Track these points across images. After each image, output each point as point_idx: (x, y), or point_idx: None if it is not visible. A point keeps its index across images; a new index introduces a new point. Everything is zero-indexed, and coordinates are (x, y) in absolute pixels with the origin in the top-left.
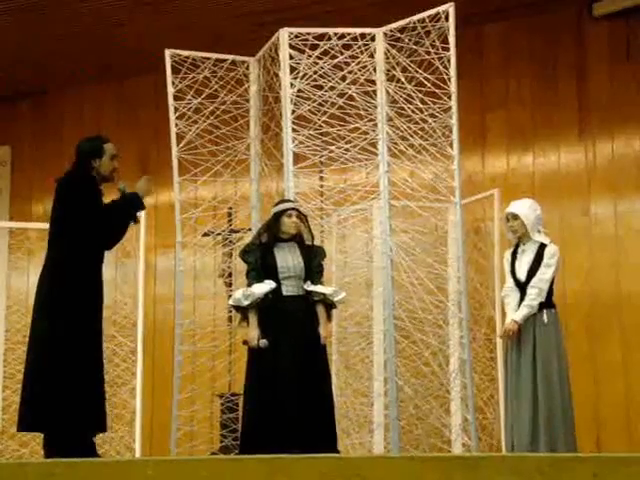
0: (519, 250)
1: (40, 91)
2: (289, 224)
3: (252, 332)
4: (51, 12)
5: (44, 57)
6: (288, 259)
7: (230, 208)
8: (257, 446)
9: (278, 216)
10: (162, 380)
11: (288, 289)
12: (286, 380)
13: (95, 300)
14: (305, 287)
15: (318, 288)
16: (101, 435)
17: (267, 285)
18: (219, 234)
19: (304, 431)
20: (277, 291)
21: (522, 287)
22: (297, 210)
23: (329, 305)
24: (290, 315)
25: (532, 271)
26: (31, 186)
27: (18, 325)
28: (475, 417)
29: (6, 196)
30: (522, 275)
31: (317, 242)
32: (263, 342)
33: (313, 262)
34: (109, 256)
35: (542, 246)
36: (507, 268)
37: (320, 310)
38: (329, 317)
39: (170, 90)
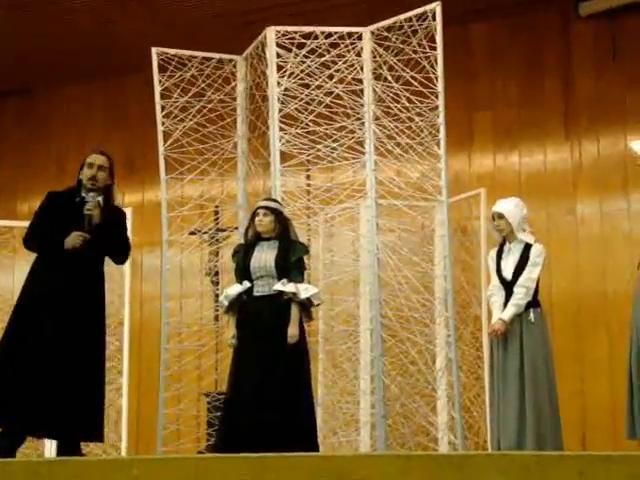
0: (505, 249)
1: (26, 89)
2: (257, 223)
3: (228, 332)
4: (37, 9)
5: (30, 55)
6: (261, 258)
7: (217, 207)
8: (224, 447)
9: (253, 216)
10: (148, 379)
11: (259, 289)
12: (243, 380)
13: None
14: (274, 287)
15: (287, 287)
16: None
17: (240, 286)
18: (205, 233)
19: (268, 432)
20: (250, 291)
21: (508, 286)
22: (265, 208)
23: (304, 304)
24: (257, 315)
25: (518, 270)
26: (17, 184)
27: (2, 323)
28: (461, 416)
29: None
30: (508, 274)
31: (304, 240)
32: (233, 342)
33: (290, 259)
34: None
35: (528, 246)
36: (492, 267)
37: (292, 309)
38: (307, 315)
39: (157, 88)
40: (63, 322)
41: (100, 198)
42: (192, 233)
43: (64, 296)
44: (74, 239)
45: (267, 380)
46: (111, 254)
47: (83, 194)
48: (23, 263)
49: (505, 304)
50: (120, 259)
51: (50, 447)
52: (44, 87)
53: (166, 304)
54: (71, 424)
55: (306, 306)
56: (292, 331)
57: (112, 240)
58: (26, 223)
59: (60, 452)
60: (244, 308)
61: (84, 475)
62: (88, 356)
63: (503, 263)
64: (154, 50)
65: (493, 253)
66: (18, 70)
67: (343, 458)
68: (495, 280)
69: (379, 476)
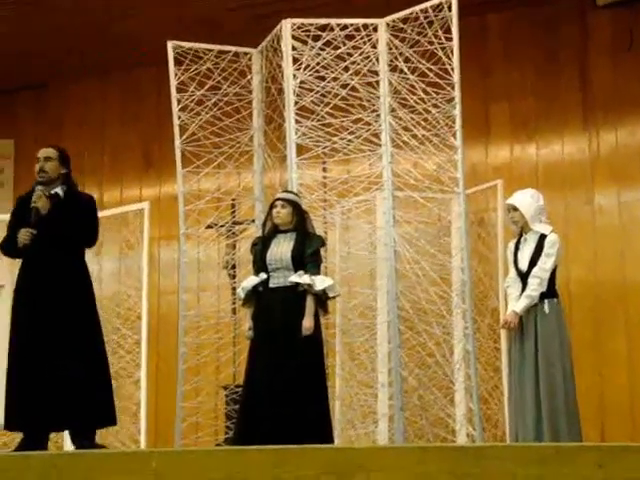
0: (521, 240)
1: (43, 84)
2: (275, 215)
3: (245, 324)
4: (52, 4)
5: (46, 50)
6: (277, 251)
7: (233, 200)
8: (243, 439)
9: (270, 208)
10: (167, 372)
11: (275, 281)
12: (259, 372)
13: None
14: (290, 278)
15: (302, 279)
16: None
17: (256, 278)
18: (222, 226)
19: (284, 424)
20: (266, 283)
21: (524, 277)
22: (283, 200)
23: (319, 296)
24: (271, 307)
25: (533, 261)
26: (33, 179)
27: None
28: (479, 408)
29: (9, 189)
30: (524, 265)
31: (320, 233)
32: (249, 333)
33: (306, 251)
34: (113, 248)
35: (542, 236)
36: (510, 258)
37: (307, 301)
38: (323, 307)
39: (173, 82)
40: (38, 318)
41: (58, 189)
42: (209, 226)
43: (34, 293)
44: (22, 236)
45: (281, 372)
46: (73, 239)
47: (39, 188)
48: None
49: (521, 295)
50: (86, 242)
51: (69, 439)
52: (60, 83)
53: (184, 297)
54: (68, 414)
55: (321, 298)
56: (307, 323)
57: (69, 225)
58: None
59: (74, 442)
60: (260, 300)
61: (102, 468)
62: (70, 346)
63: (519, 254)
64: (170, 44)
65: (511, 244)
66: (33, 66)
67: (360, 450)
68: (512, 272)
69: (396, 468)
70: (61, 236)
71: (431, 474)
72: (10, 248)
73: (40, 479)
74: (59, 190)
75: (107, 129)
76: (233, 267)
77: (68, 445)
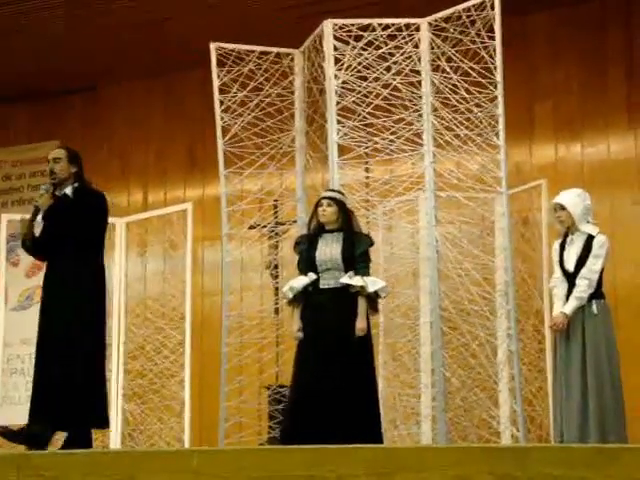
0: (567, 240)
1: (90, 86)
2: (321, 213)
3: (293, 325)
4: (97, 8)
5: (93, 53)
6: (326, 251)
7: (276, 200)
8: (291, 438)
9: (316, 207)
10: (210, 372)
11: (325, 282)
12: (311, 373)
13: None
14: (341, 280)
15: (354, 280)
16: (151, 427)
17: (306, 278)
18: (265, 226)
19: (335, 425)
20: (316, 284)
21: (570, 278)
22: (329, 198)
23: (371, 296)
24: (322, 308)
25: (580, 262)
26: None
27: None
28: (524, 409)
29: None
30: (570, 266)
31: (364, 232)
32: (298, 334)
33: (356, 252)
34: (157, 249)
35: (590, 237)
36: (555, 258)
37: (360, 302)
38: (374, 308)
39: (215, 83)
40: (41, 319)
41: (68, 189)
42: (251, 227)
43: (44, 293)
44: (20, 226)
45: (333, 373)
46: (71, 233)
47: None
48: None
49: (567, 296)
50: (79, 238)
51: (115, 438)
52: (107, 85)
53: (227, 298)
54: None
55: (373, 299)
56: (360, 324)
57: (66, 222)
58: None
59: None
60: (309, 300)
61: (145, 466)
62: (52, 347)
63: (565, 255)
64: (212, 45)
65: (556, 244)
66: (81, 70)
67: (401, 450)
68: (558, 272)
69: (436, 468)
70: (61, 234)
71: (471, 475)
72: (23, 244)
73: (84, 477)
74: (68, 190)
75: (152, 131)
76: (275, 267)
77: (113, 444)
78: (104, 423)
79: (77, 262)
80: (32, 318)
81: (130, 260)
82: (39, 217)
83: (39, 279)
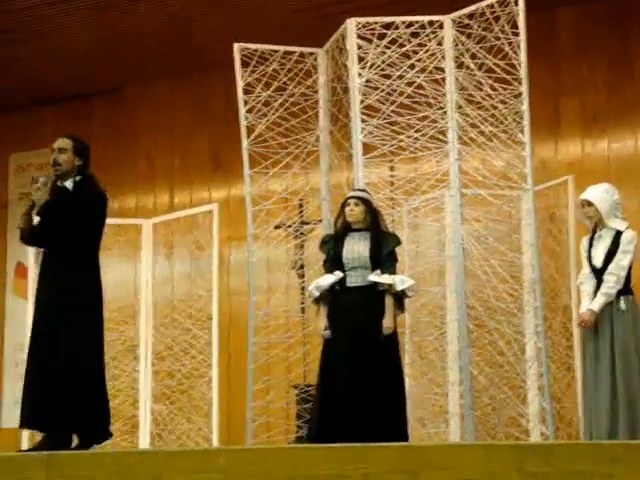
0: (595, 236)
1: (114, 89)
2: (348, 213)
3: (319, 323)
4: (121, 10)
5: (118, 55)
6: (354, 249)
7: (301, 200)
8: (318, 437)
9: (343, 206)
10: (238, 372)
11: (352, 280)
12: (339, 371)
13: None
14: (369, 278)
15: (382, 278)
16: (179, 427)
17: (333, 276)
18: (290, 226)
19: (362, 422)
20: (343, 282)
21: (598, 274)
22: (357, 198)
23: (398, 295)
24: (350, 306)
25: (608, 258)
26: (107, 184)
27: None
28: (553, 406)
29: None
30: (598, 262)
31: (390, 231)
32: (326, 333)
33: (383, 250)
34: (183, 250)
35: (618, 232)
36: (584, 255)
37: (387, 301)
38: (401, 307)
39: (239, 84)
40: (34, 319)
41: (68, 182)
42: (277, 227)
43: (38, 293)
44: (19, 220)
45: (361, 371)
46: (67, 230)
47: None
48: (114, 260)
49: (595, 292)
50: (69, 237)
51: (144, 438)
52: (131, 87)
53: (253, 297)
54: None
55: (400, 298)
56: (388, 323)
57: (60, 215)
58: (116, 221)
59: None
60: (336, 299)
61: (172, 465)
62: (44, 348)
63: (594, 251)
64: (236, 46)
65: (585, 241)
66: (107, 72)
67: (427, 448)
68: (586, 268)
69: (462, 465)
70: (57, 229)
71: (498, 472)
72: (22, 238)
73: (111, 476)
74: (69, 183)
75: (177, 132)
76: (301, 267)
77: (142, 444)
78: (104, 435)
79: (70, 261)
80: None
81: (157, 261)
82: (34, 212)
83: None
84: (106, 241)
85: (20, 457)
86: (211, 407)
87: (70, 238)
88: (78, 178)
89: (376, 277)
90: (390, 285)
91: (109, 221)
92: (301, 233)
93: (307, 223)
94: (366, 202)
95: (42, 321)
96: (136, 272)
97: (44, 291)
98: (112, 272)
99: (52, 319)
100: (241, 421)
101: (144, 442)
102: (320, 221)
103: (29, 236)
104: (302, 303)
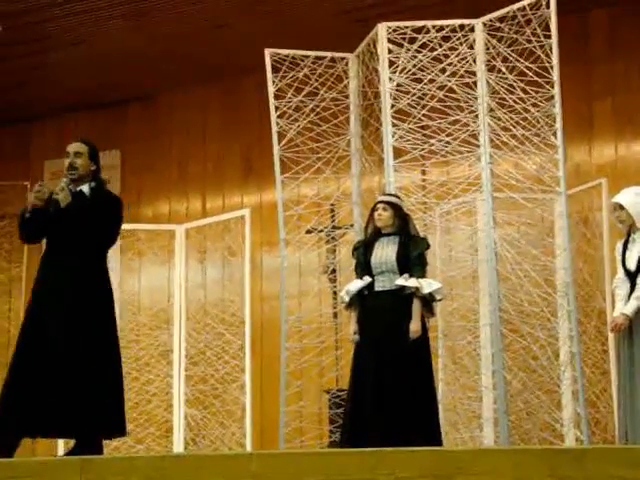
0: (630, 240)
1: (147, 96)
2: (377, 218)
3: (349, 328)
4: (153, 17)
5: (151, 61)
6: (382, 254)
7: (332, 204)
8: (350, 442)
9: (372, 211)
10: (271, 376)
11: (380, 284)
12: (367, 375)
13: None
14: (396, 282)
15: (409, 282)
16: (213, 432)
17: (361, 281)
18: (322, 231)
19: (392, 428)
20: (371, 287)
21: (632, 278)
22: (385, 202)
23: (426, 298)
24: (378, 310)
25: None
26: (141, 189)
27: (131, 324)
28: (587, 411)
29: None
30: (632, 265)
31: (421, 235)
32: (355, 337)
33: (412, 254)
34: (216, 256)
35: None
36: (618, 258)
37: (414, 304)
38: (429, 311)
39: (271, 89)
40: (43, 322)
41: (84, 186)
42: (309, 231)
43: (43, 296)
44: (30, 196)
45: (389, 376)
46: (85, 236)
47: (63, 180)
48: (148, 265)
49: (629, 296)
50: (98, 242)
51: (178, 443)
52: (163, 93)
53: (285, 302)
54: (50, 419)
55: (428, 301)
56: (414, 327)
57: (85, 223)
58: (150, 227)
59: (78, 450)
60: (365, 303)
61: (204, 469)
62: (71, 352)
63: (627, 254)
64: (267, 51)
65: (619, 244)
66: (138, 78)
67: (459, 453)
68: (620, 272)
69: (495, 470)
70: (75, 232)
71: (531, 477)
72: (22, 227)
73: None
74: (85, 187)
75: (209, 137)
76: (333, 271)
77: (176, 449)
78: (120, 431)
79: (86, 264)
80: None
81: (190, 267)
82: (52, 209)
83: None
84: (140, 247)
85: (55, 462)
86: (244, 412)
87: (89, 243)
88: (93, 184)
89: (403, 281)
90: (417, 288)
91: (144, 227)
92: (333, 238)
93: (339, 228)
94: (395, 206)
95: (63, 324)
96: (169, 277)
97: (62, 295)
98: (146, 278)
99: (76, 324)
100: (274, 426)
101: (178, 447)
102: (352, 226)
103: (26, 223)
104: (334, 308)
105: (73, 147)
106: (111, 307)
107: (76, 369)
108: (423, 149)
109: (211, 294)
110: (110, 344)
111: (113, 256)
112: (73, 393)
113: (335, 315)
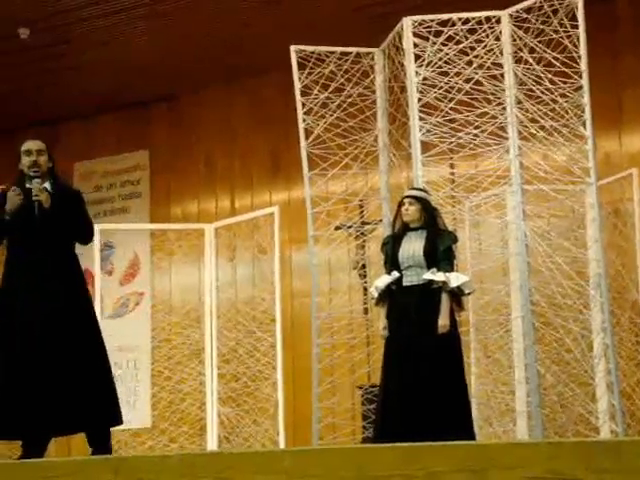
0: None
1: (173, 95)
2: (403, 213)
3: (379, 323)
4: (178, 18)
5: (177, 60)
6: (409, 249)
7: (361, 200)
8: (383, 438)
9: (399, 206)
10: (302, 373)
11: (408, 279)
12: (396, 371)
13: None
14: (423, 276)
15: (437, 276)
16: (246, 429)
17: (389, 277)
18: (350, 227)
19: (424, 422)
20: (399, 282)
21: None
22: (411, 197)
23: (455, 293)
24: (406, 306)
25: None
26: (169, 188)
27: (163, 323)
28: (622, 403)
29: (146, 199)
30: None
31: (451, 229)
32: (384, 333)
33: (439, 248)
34: (245, 254)
35: None
36: None
37: (442, 298)
38: (458, 304)
39: (297, 86)
40: (36, 321)
41: (47, 184)
42: (337, 228)
43: (33, 291)
44: (11, 198)
45: (419, 370)
46: (72, 236)
47: (27, 185)
48: (179, 265)
49: None
50: (83, 239)
51: (212, 441)
52: (189, 92)
53: (315, 299)
54: (74, 418)
55: (457, 295)
56: (443, 321)
57: (67, 223)
58: (179, 226)
59: (91, 444)
60: (394, 298)
61: (237, 467)
62: (74, 345)
63: None
64: (293, 48)
65: None
66: (164, 78)
67: (493, 446)
68: None
69: (529, 463)
70: (69, 231)
71: (566, 470)
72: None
73: (179, 478)
74: (47, 185)
75: (236, 135)
76: (363, 267)
77: (210, 447)
78: (119, 420)
79: (71, 260)
80: (128, 325)
81: (220, 265)
82: (36, 212)
83: (133, 286)
84: (170, 246)
85: (89, 461)
86: (277, 409)
87: (67, 239)
88: (52, 180)
89: (430, 275)
90: (444, 282)
91: (174, 226)
92: (362, 233)
93: (367, 223)
94: (421, 200)
95: (58, 326)
96: (200, 276)
97: (52, 298)
98: (176, 277)
99: (71, 324)
100: (307, 423)
101: (212, 445)
102: (380, 221)
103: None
104: (365, 303)
105: (35, 145)
106: (91, 300)
107: (83, 364)
108: (451, 142)
109: (241, 292)
110: (101, 337)
111: (144, 256)
112: (88, 387)
113: (366, 311)
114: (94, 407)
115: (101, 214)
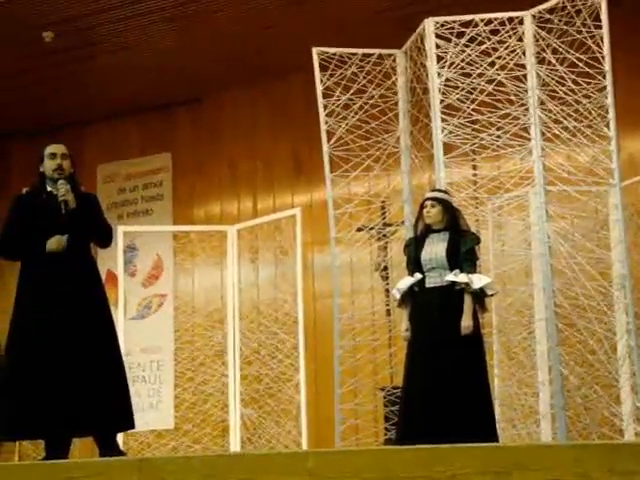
0: None
1: (196, 98)
2: (425, 214)
3: (401, 325)
4: (203, 19)
5: (198, 63)
6: (431, 250)
7: (383, 202)
8: (406, 439)
9: (421, 208)
10: (325, 375)
11: (430, 280)
12: (418, 372)
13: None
14: (446, 277)
15: (459, 277)
16: (269, 431)
17: (411, 278)
18: (372, 228)
19: (447, 424)
20: (422, 283)
21: None
22: (433, 199)
23: (477, 294)
24: (429, 307)
25: None
26: (192, 190)
27: (186, 325)
28: None
29: (169, 201)
30: None
31: (473, 230)
32: (406, 334)
33: (461, 250)
34: (268, 255)
35: None
36: None
37: (465, 300)
38: (481, 306)
39: (319, 88)
40: (60, 319)
41: (68, 186)
42: (360, 229)
43: (55, 294)
44: (57, 243)
45: (442, 372)
46: (94, 238)
47: (49, 188)
48: (201, 266)
49: None
50: (104, 242)
51: (235, 442)
52: (212, 95)
53: (337, 301)
54: (90, 419)
55: (480, 296)
56: (466, 322)
57: (92, 224)
58: (202, 228)
59: (101, 448)
60: (416, 300)
61: (261, 468)
62: (95, 348)
63: None
64: (314, 50)
65: None
66: (186, 82)
67: (516, 448)
68: None
69: (554, 466)
70: (91, 234)
71: (590, 472)
72: (11, 249)
73: (203, 479)
74: (69, 186)
75: (259, 137)
76: (385, 269)
77: (232, 448)
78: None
79: (92, 260)
80: (151, 327)
81: (242, 267)
82: (63, 211)
83: (156, 288)
84: (192, 248)
85: (113, 462)
86: (299, 410)
87: (90, 240)
88: (72, 185)
89: (453, 277)
90: (467, 284)
91: (197, 228)
92: (384, 235)
93: (390, 225)
94: (443, 202)
95: (81, 327)
96: (222, 278)
97: (77, 299)
98: (199, 278)
99: (97, 321)
100: (329, 424)
101: (235, 446)
102: (403, 222)
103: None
104: (387, 305)
105: (59, 149)
106: (108, 303)
107: (97, 367)
108: (473, 144)
109: (264, 293)
110: (117, 340)
111: (167, 258)
112: (101, 390)
113: (388, 312)
114: (107, 410)
115: (124, 216)
